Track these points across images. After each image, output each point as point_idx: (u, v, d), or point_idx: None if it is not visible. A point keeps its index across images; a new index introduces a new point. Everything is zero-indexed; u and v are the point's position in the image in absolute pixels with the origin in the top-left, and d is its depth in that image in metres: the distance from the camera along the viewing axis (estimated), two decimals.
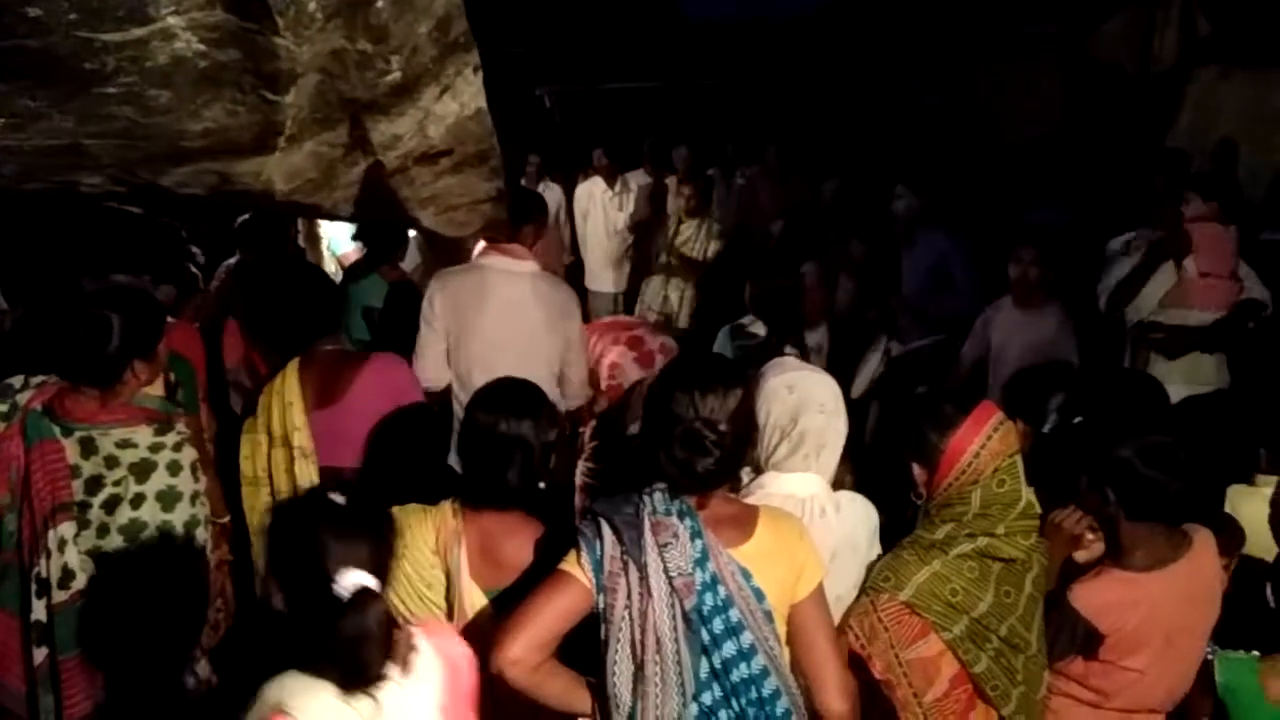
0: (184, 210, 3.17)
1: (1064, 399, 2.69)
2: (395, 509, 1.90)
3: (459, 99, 2.49)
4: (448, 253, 5.15)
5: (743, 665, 1.79)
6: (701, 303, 6.23)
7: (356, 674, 1.53)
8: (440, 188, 2.86)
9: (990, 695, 2.11)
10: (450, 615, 2.11)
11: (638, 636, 1.77)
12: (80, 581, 2.21)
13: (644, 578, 1.75)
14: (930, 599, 2.08)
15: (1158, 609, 2.19)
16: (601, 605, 1.80)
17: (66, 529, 2.20)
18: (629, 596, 1.77)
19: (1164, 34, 5.89)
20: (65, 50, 1.94)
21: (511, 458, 2.11)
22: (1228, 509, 2.70)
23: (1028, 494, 2.18)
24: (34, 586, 2.20)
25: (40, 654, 2.22)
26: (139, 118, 2.16)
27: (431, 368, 3.33)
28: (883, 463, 2.32)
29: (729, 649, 1.78)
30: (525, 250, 3.42)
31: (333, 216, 3.29)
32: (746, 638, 1.79)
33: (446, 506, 2.17)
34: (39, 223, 3.41)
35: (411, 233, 4.52)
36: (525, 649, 1.73)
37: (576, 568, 1.81)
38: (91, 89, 2.06)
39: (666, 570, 1.75)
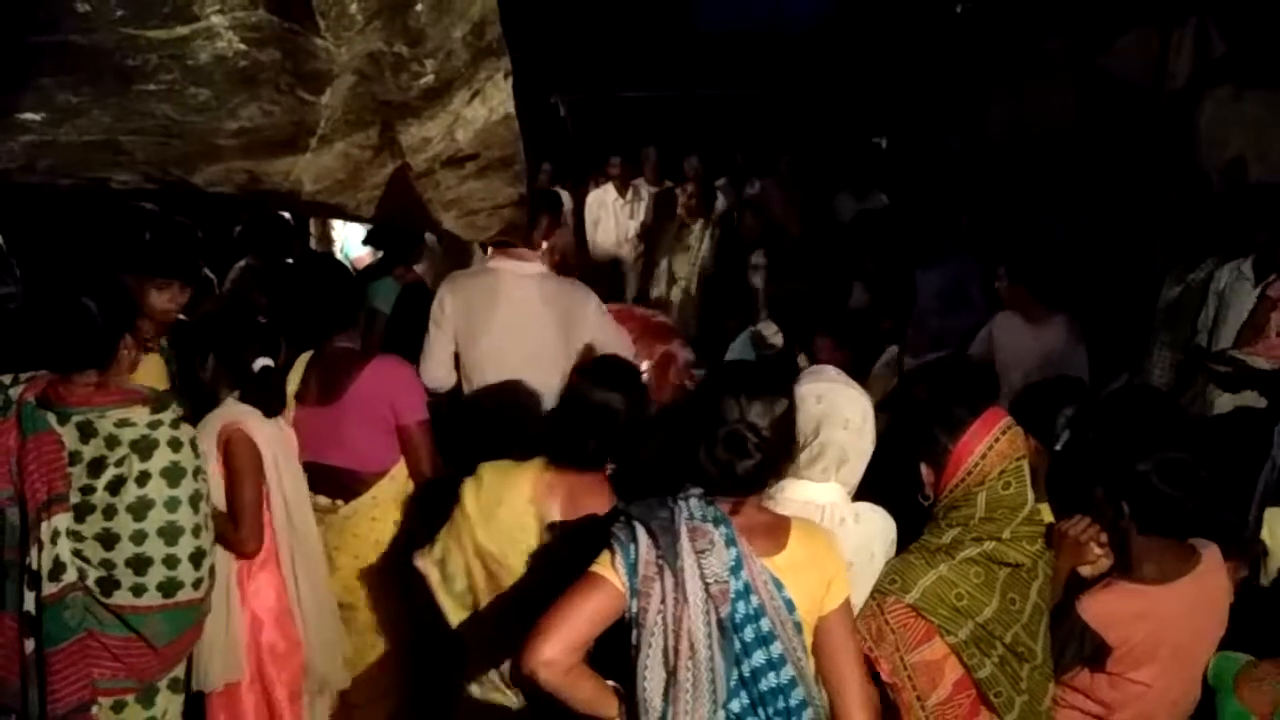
0: (200, 209, 3.19)
1: (1074, 414, 2.69)
2: (489, 464, 2.33)
3: (489, 104, 2.51)
4: (459, 255, 5.19)
5: (771, 675, 1.79)
6: (703, 304, 6.26)
7: (269, 407, 2.70)
8: (464, 191, 2.87)
9: (993, 702, 2.13)
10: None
11: (671, 643, 1.76)
12: (71, 575, 2.19)
13: (679, 583, 1.74)
14: (936, 602, 2.10)
15: (1166, 622, 2.21)
16: (634, 610, 1.78)
17: (60, 521, 2.18)
18: (663, 602, 1.76)
19: (1178, 52, 5.87)
20: (110, 46, 1.97)
21: (597, 425, 2.25)
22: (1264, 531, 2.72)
23: (1034, 500, 2.20)
24: (25, 578, 2.19)
25: (28, 645, 2.20)
26: (176, 115, 2.19)
27: (438, 369, 3.36)
28: (892, 473, 2.33)
29: (759, 658, 1.79)
30: (534, 253, 3.42)
31: (355, 218, 3.31)
32: (776, 648, 1.80)
33: (538, 462, 2.29)
34: (60, 220, 3.43)
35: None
36: (558, 650, 1.72)
37: (610, 570, 1.79)
38: (132, 86, 2.09)
39: (703, 577, 1.74)
